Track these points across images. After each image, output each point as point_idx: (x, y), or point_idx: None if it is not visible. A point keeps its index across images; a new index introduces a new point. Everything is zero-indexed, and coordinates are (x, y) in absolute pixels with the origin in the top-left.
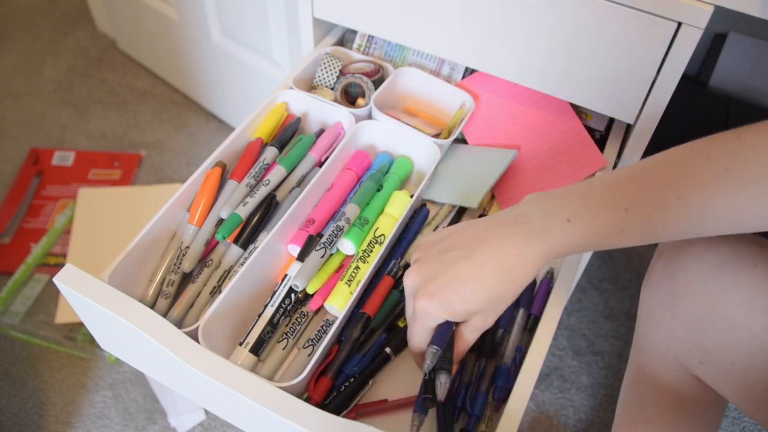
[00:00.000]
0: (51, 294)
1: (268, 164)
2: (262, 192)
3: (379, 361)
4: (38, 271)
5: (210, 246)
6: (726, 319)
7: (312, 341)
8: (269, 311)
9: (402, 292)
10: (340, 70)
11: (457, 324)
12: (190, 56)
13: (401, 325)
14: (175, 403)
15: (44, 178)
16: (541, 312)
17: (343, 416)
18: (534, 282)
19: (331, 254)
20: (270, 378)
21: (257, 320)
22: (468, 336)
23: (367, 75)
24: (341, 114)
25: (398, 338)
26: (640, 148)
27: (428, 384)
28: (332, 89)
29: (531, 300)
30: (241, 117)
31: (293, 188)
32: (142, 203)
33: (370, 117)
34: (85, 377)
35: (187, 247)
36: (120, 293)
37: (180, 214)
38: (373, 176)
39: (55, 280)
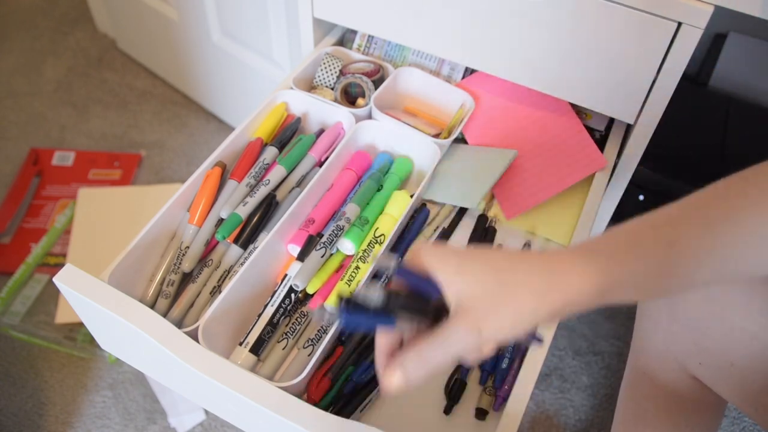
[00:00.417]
0: (51, 294)
1: (268, 164)
2: (262, 192)
3: None
4: (38, 271)
5: (210, 246)
6: (724, 320)
7: (312, 341)
8: (269, 311)
9: None
10: (340, 70)
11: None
12: (190, 56)
13: None
14: (175, 403)
15: (44, 178)
16: None
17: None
18: None
19: (331, 254)
20: (270, 378)
21: (257, 320)
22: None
23: (367, 75)
24: (341, 114)
25: None
26: (640, 148)
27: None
28: (332, 89)
29: None
30: (241, 117)
31: (293, 188)
32: (142, 203)
33: (370, 117)
34: (85, 377)
35: (187, 247)
36: (120, 293)
37: (180, 214)
38: (373, 176)
39: (55, 280)
